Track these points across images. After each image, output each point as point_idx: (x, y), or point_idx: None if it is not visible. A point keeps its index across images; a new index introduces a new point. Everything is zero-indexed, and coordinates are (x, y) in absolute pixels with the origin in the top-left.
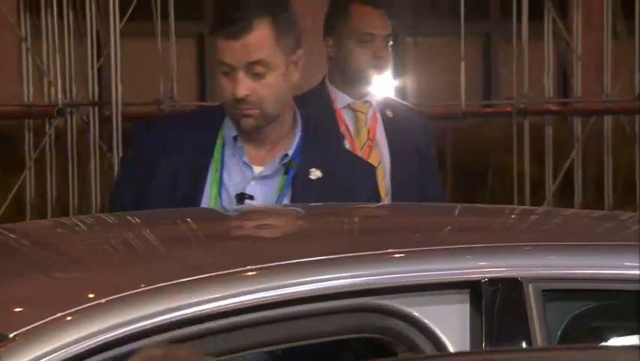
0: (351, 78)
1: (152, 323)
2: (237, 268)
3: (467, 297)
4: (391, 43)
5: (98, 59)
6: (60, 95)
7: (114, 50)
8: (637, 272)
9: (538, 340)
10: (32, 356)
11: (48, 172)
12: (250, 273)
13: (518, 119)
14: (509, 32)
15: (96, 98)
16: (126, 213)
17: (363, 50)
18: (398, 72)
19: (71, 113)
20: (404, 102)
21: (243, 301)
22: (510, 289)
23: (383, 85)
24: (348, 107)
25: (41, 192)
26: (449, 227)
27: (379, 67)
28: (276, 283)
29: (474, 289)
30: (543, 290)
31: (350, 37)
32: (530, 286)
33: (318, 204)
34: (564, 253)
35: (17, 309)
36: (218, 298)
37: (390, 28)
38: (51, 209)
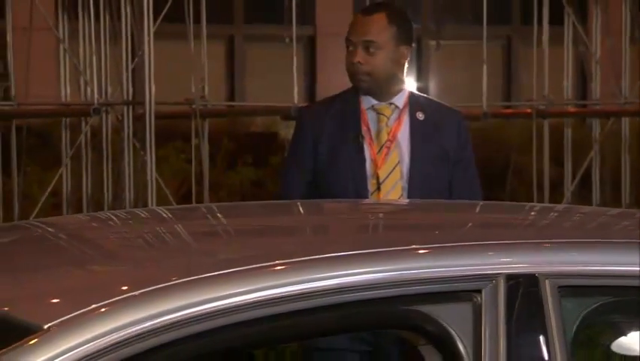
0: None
1: (183, 315)
2: (266, 262)
3: (487, 293)
4: (414, 45)
5: (133, 59)
6: (96, 95)
7: (148, 51)
8: None
9: (555, 335)
10: (66, 346)
11: (84, 169)
12: (279, 267)
13: (538, 120)
14: (529, 36)
15: (130, 98)
16: (158, 208)
17: (347, 56)
18: (421, 74)
19: (106, 112)
20: (443, 103)
21: (272, 293)
22: (527, 284)
23: (413, 88)
24: (372, 108)
25: (77, 188)
26: (469, 224)
27: (359, 72)
28: (303, 278)
29: (493, 285)
30: (559, 286)
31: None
32: (547, 281)
33: (348, 200)
34: (581, 250)
35: (53, 301)
36: (248, 291)
37: (374, 34)
38: (86, 204)
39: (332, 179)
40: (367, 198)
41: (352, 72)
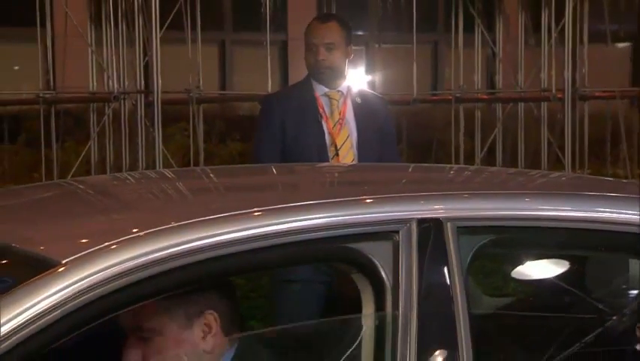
0: (312, 75)
1: (179, 250)
2: (245, 210)
3: (403, 233)
4: (360, 47)
5: (144, 58)
6: (116, 86)
7: (155, 52)
8: (531, 213)
9: (454, 264)
10: (78, 277)
11: (107, 142)
12: (255, 213)
13: (456, 105)
14: (450, 41)
15: (142, 88)
16: (165, 170)
17: (310, 54)
18: (368, 70)
19: (124, 99)
20: (372, 92)
21: (249, 233)
22: (434, 226)
23: (354, 79)
24: (325, 95)
25: (102, 157)
26: (393, 180)
27: (322, 67)
28: (274, 221)
29: (408, 227)
30: (458, 227)
31: (305, 46)
32: (449, 224)
33: (309, 164)
34: (475, 199)
35: (72, 241)
36: (230, 231)
37: (332, 37)
38: (109, 169)
39: (300, 149)
40: (328, 162)
41: (316, 67)
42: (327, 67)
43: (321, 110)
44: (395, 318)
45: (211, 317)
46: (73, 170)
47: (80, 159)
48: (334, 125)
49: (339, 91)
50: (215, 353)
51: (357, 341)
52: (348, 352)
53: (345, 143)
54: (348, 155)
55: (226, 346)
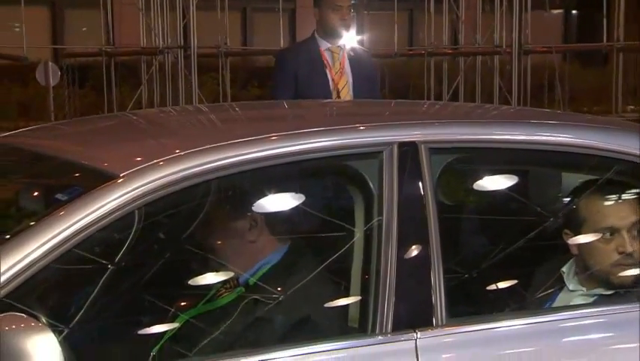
0: (328, 32)
1: (211, 167)
2: (264, 135)
3: (387, 153)
4: (353, 12)
5: (183, 20)
6: (161, 42)
7: (192, 16)
8: (487, 137)
9: (427, 177)
10: (132, 187)
11: (154, 87)
12: (273, 138)
13: (427, 58)
14: (424, 8)
15: (182, 44)
16: (200, 105)
17: (335, 14)
18: (359, 31)
19: (167, 53)
20: (361, 47)
21: (267, 153)
22: (411, 148)
23: (348, 37)
24: (328, 49)
25: (151, 100)
26: (379, 112)
27: (345, 26)
28: (285, 144)
29: (390, 148)
30: (430, 148)
31: (327, 7)
32: (422, 146)
33: (315, 100)
34: (442, 126)
35: (128, 159)
36: (252, 152)
37: (351, 0)
38: (156, 108)
39: (309, 93)
40: None
41: (341, 25)
42: (348, 25)
43: (325, 61)
44: (380, 220)
45: (257, 214)
46: (128, 109)
47: (133, 100)
48: (336, 74)
49: (338, 46)
50: (260, 245)
51: (351, 238)
52: (345, 246)
53: (344, 87)
54: (347, 97)
55: (276, 244)
